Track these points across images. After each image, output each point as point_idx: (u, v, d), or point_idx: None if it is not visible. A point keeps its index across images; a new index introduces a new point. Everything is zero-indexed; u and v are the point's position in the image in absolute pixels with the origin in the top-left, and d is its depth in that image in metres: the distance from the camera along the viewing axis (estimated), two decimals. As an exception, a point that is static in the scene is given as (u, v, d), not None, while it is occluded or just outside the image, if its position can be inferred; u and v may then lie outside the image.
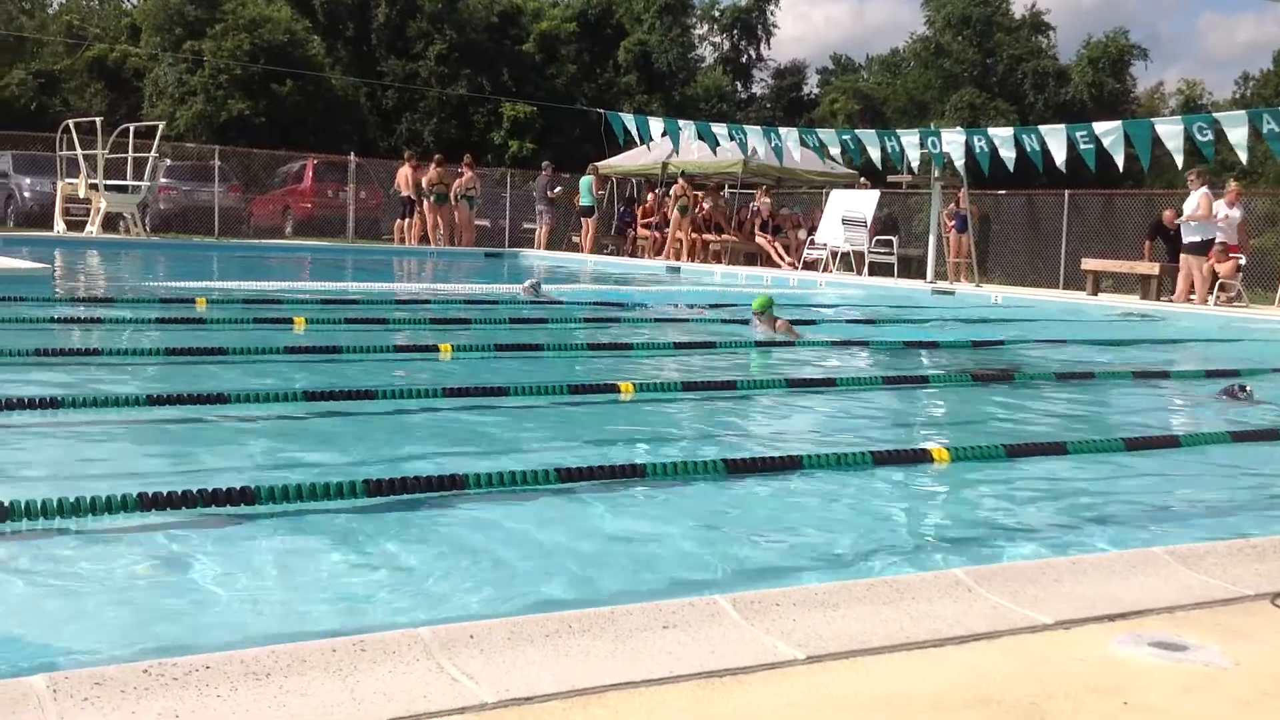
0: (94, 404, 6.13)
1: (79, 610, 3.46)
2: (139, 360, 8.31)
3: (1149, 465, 6.27)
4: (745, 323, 11.55)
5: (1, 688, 2.36)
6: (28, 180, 28.29)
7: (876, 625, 3.01)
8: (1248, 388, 8.33)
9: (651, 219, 26.60)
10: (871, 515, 5.02)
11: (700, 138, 22.61)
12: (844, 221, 22.63)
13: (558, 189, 27.30)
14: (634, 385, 7.62)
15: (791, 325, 11.08)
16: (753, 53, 59.98)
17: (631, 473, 5.09)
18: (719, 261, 24.95)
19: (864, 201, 23.10)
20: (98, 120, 23.09)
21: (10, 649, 3.14)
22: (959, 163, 18.82)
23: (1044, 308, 17.09)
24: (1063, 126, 17.40)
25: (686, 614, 2.98)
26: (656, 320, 12.69)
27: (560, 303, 14.06)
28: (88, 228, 23.15)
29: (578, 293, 15.74)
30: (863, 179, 26.87)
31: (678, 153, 25.28)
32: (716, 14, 58.97)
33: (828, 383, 8.64)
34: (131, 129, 23.79)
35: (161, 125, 25.38)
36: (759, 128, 22.45)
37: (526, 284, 14.17)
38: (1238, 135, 15.44)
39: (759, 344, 10.69)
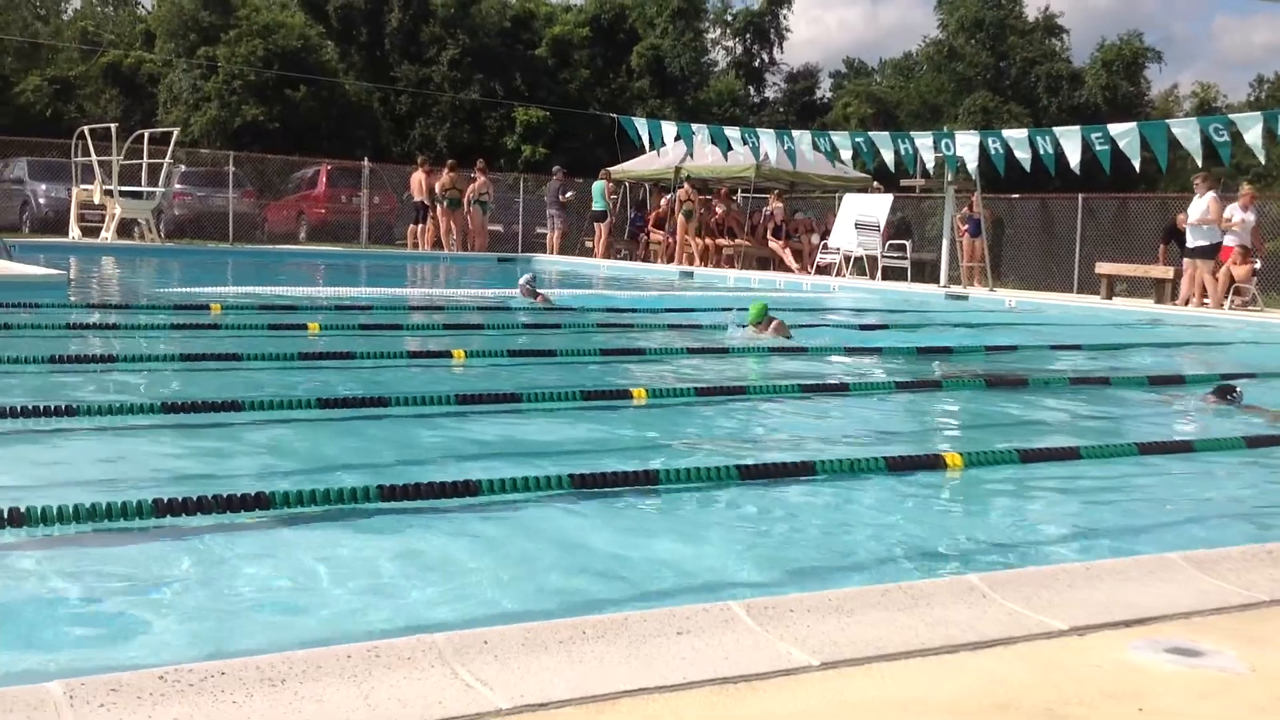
0: (109, 410, 6.15)
1: (95, 616, 3.47)
2: (154, 366, 8.35)
3: (1163, 470, 6.25)
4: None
5: (19, 694, 2.37)
6: (43, 186, 28.39)
7: (891, 631, 3.00)
8: (1237, 390, 8.26)
9: (663, 224, 26.61)
10: (885, 521, 5.01)
11: (713, 142, 22.61)
12: (857, 226, 22.60)
13: (569, 193, 27.31)
14: (646, 391, 7.61)
15: (785, 325, 11.06)
16: (765, 57, 59.90)
17: (644, 479, 5.09)
18: (732, 266, 24.94)
19: (877, 206, 23.08)
20: (113, 126, 23.17)
21: (27, 654, 3.15)
22: (973, 165, 18.79)
23: (1056, 312, 17.07)
24: (1077, 128, 17.36)
25: (700, 620, 2.97)
26: (650, 325, 12.57)
27: (561, 308, 13.97)
28: (103, 234, 23.23)
29: (578, 298, 15.69)
30: (876, 183, 26.84)
31: (691, 156, 25.29)
32: (729, 18, 58.94)
33: (840, 388, 8.63)
34: (146, 135, 23.88)
35: (176, 131, 25.48)
36: (771, 131, 22.44)
37: (523, 282, 14.10)
38: (1253, 136, 15.40)
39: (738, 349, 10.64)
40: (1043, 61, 54.55)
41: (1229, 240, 17.57)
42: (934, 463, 5.87)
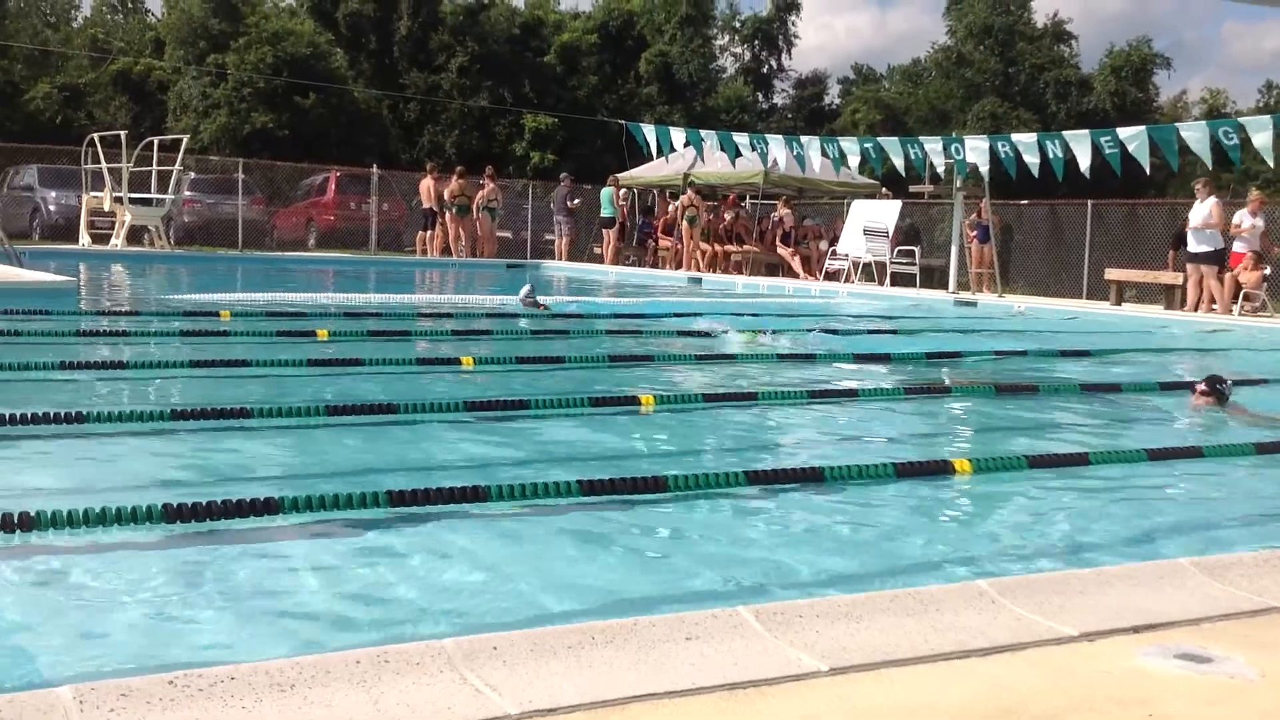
0: (119, 417, 6.17)
1: (105, 621, 3.47)
2: (164, 373, 8.36)
3: (1173, 475, 6.24)
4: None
5: (28, 699, 2.37)
6: (53, 193, 28.49)
7: (900, 637, 3.00)
8: (1226, 381, 8.22)
9: (672, 230, 26.63)
10: (894, 526, 5.00)
11: (721, 148, 22.62)
12: (866, 232, 22.61)
13: (577, 200, 27.34)
14: (654, 398, 7.61)
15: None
16: (774, 63, 59.93)
17: (654, 485, 5.09)
18: (740, 272, 24.95)
19: (886, 212, 23.08)
20: (122, 134, 23.23)
21: (36, 660, 3.16)
22: (984, 169, 18.78)
23: (1065, 318, 17.04)
24: (1086, 132, 17.34)
25: (709, 625, 2.97)
26: (651, 332, 12.54)
27: (559, 314, 13.93)
28: (112, 241, 23.29)
29: (575, 304, 15.66)
30: (884, 189, 26.84)
31: (703, 161, 25.30)
32: (737, 24, 58.97)
33: (849, 394, 8.63)
34: (156, 142, 23.93)
35: (186, 138, 25.55)
36: (780, 137, 22.44)
37: (523, 294, 14.08)
38: (1262, 140, 15.37)
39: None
40: (1051, 68, 54.51)
41: (1239, 246, 17.55)
42: (943, 468, 5.86)
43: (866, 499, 5.34)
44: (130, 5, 53.14)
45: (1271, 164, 16.07)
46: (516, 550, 4.34)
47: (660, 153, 24.34)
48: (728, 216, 26.29)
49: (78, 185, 25.03)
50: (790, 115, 58.18)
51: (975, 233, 21.98)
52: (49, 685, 2.47)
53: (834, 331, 13.07)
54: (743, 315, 14.49)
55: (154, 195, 23.74)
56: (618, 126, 26.61)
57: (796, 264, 24.90)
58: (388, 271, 23.71)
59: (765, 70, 59.59)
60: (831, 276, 23.23)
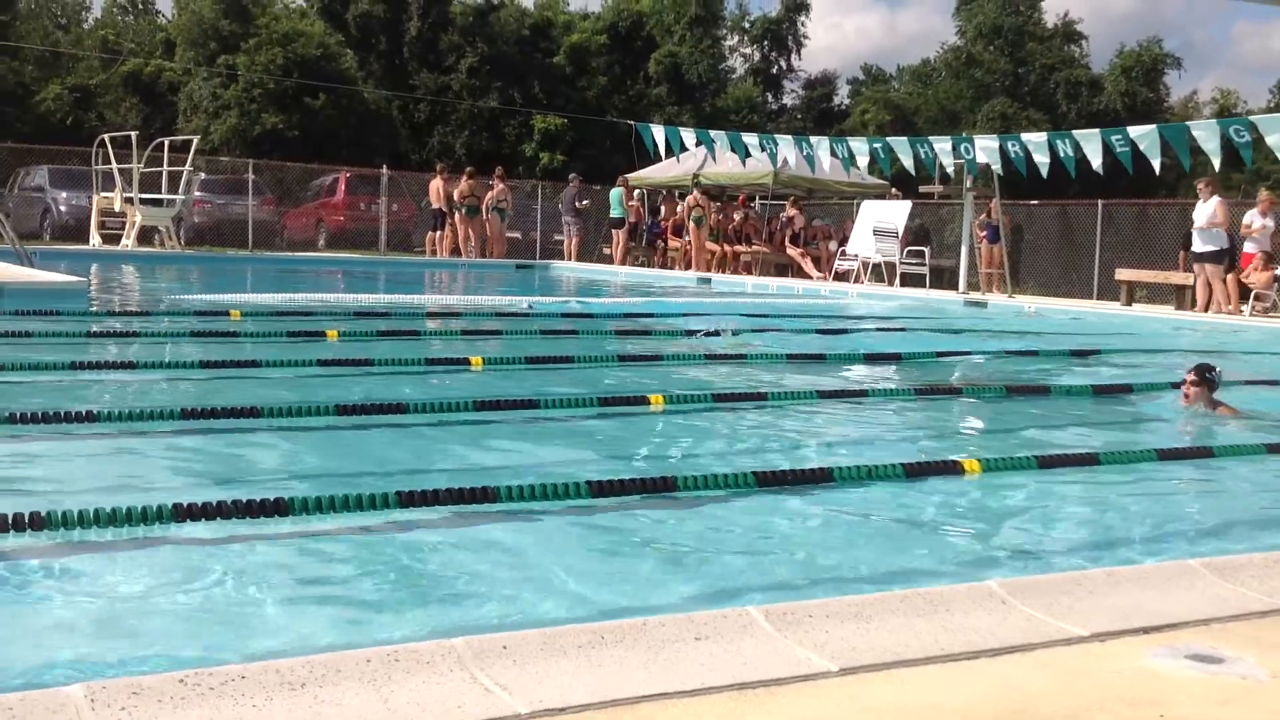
0: (129, 417, 6.18)
1: (116, 620, 3.48)
2: (174, 373, 8.38)
3: (1183, 476, 6.23)
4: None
5: (40, 697, 2.38)
6: (64, 194, 28.53)
7: (910, 637, 3.00)
8: (1217, 369, 8.17)
9: (681, 231, 26.62)
10: (903, 527, 5.00)
11: (731, 149, 22.60)
12: (875, 232, 22.58)
13: (585, 201, 27.34)
14: (664, 397, 7.61)
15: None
16: (783, 64, 59.91)
17: (662, 486, 5.09)
18: (750, 273, 24.94)
19: (895, 212, 23.05)
20: (133, 134, 23.27)
21: (48, 658, 3.17)
22: (995, 168, 18.74)
23: (1075, 319, 17.01)
24: (1097, 131, 17.28)
25: (719, 625, 2.97)
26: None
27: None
28: (123, 241, 23.33)
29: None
30: (894, 190, 26.81)
31: (714, 161, 25.29)
32: (747, 25, 58.94)
33: (858, 394, 8.62)
34: (166, 143, 23.98)
35: (196, 139, 25.58)
36: (790, 137, 22.42)
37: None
38: (1275, 139, 15.30)
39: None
40: (1061, 68, 54.44)
41: (1249, 247, 17.50)
42: (952, 469, 5.86)
43: (875, 499, 5.33)
44: (141, 6, 53.27)
45: (1283, 162, 16.04)
46: (526, 550, 4.34)
47: (670, 153, 24.33)
48: (737, 217, 26.27)
49: (88, 186, 25.07)
50: (800, 116, 58.15)
51: (985, 233, 21.95)
52: (60, 683, 2.48)
53: (842, 331, 13.07)
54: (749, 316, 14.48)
55: (164, 196, 23.77)
56: (627, 127, 26.58)
57: (807, 264, 24.88)
58: (397, 272, 23.74)
59: (775, 71, 59.57)
60: (841, 277, 23.21)
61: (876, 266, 22.69)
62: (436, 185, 26.05)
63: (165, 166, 23.56)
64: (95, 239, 24.01)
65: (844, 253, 23.62)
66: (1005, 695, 2.69)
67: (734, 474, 5.33)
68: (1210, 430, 7.78)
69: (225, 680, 2.49)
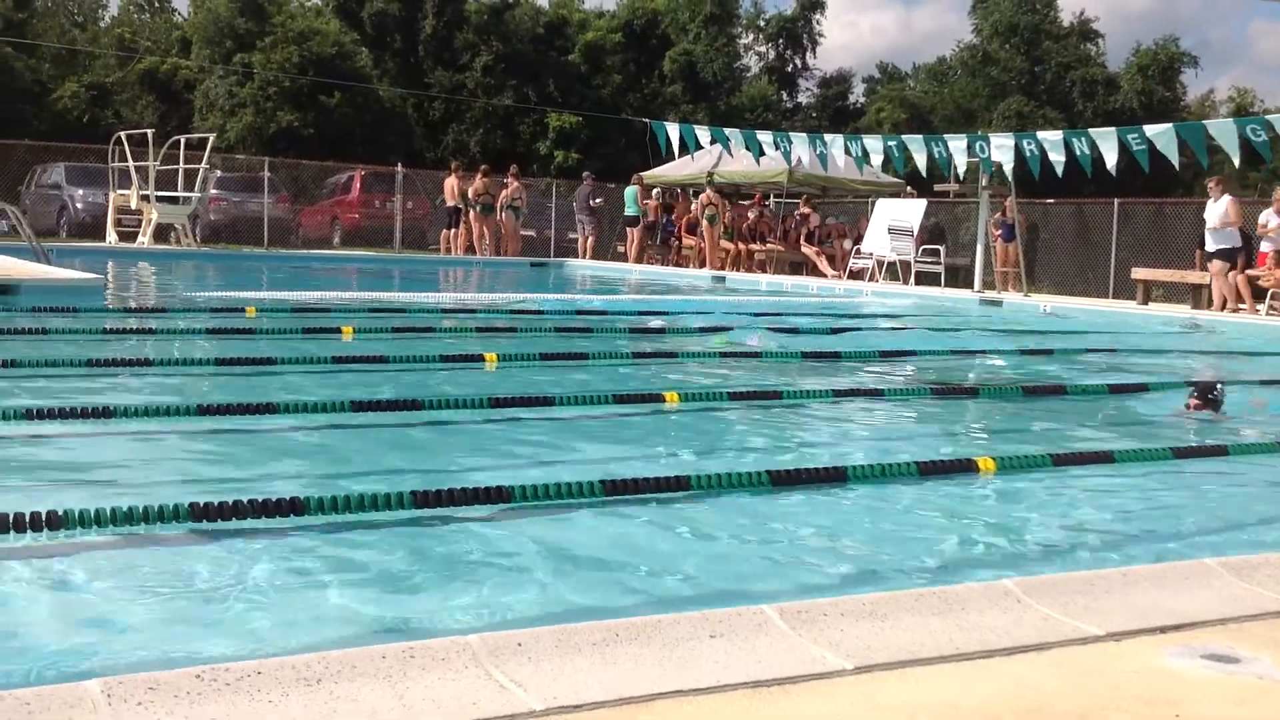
0: (145, 413, 6.20)
1: (133, 617, 3.50)
2: (190, 370, 8.41)
3: (1199, 474, 6.21)
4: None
5: (57, 692, 2.39)
6: (80, 191, 28.65)
7: (925, 636, 2.99)
8: (1218, 388, 8.15)
9: (695, 229, 26.62)
10: (918, 526, 4.99)
11: (746, 147, 22.59)
12: (890, 231, 22.54)
13: (599, 199, 27.36)
14: (679, 395, 7.61)
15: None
16: (798, 62, 59.88)
17: (675, 485, 5.09)
18: (764, 271, 24.92)
19: (910, 210, 23.01)
20: (149, 132, 23.34)
21: (65, 654, 3.19)
22: (1009, 168, 18.69)
23: (1091, 318, 16.97)
24: (1113, 130, 17.24)
25: (734, 623, 2.97)
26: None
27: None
28: (139, 238, 23.41)
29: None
30: (909, 188, 26.77)
31: (731, 155, 25.28)
32: (762, 23, 58.93)
33: (873, 393, 8.61)
34: (182, 141, 24.05)
35: (212, 137, 25.64)
36: (804, 136, 22.39)
37: (1194, 402, 14.00)
38: (1291, 137, 15.29)
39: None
40: (1078, 66, 54.30)
41: (1265, 246, 17.44)
42: (967, 467, 5.84)
43: (890, 498, 5.33)
44: (157, 5, 53.48)
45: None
46: (539, 548, 4.35)
47: (685, 151, 24.31)
48: (751, 215, 26.26)
49: (105, 183, 25.17)
50: (815, 114, 58.11)
51: (1000, 231, 21.90)
52: (77, 679, 2.49)
53: (855, 329, 13.06)
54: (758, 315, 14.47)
55: (180, 193, 23.85)
56: (642, 125, 26.60)
57: (822, 263, 24.86)
58: (412, 270, 23.78)
59: (790, 69, 59.53)
60: (856, 275, 23.18)
61: (891, 265, 22.66)
62: (451, 183, 26.09)
63: (181, 164, 23.63)
64: (112, 236, 24.09)
65: (859, 251, 23.59)
66: (1020, 694, 2.69)
67: (747, 473, 5.33)
68: (1225, 430, 7.75)
69: (241, 676, 2.50)
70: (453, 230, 26.27)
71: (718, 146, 23.77)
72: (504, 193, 26.03)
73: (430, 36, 45.77)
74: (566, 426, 6.85)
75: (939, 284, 21.76)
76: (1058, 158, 17.53)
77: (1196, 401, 8.04)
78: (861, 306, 17.76)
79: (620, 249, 27.94)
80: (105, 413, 6.05)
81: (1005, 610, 3.20)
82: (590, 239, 27.10)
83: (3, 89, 39.73)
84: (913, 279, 22.13)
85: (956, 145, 19.27)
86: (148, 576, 3.86)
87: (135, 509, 4.15)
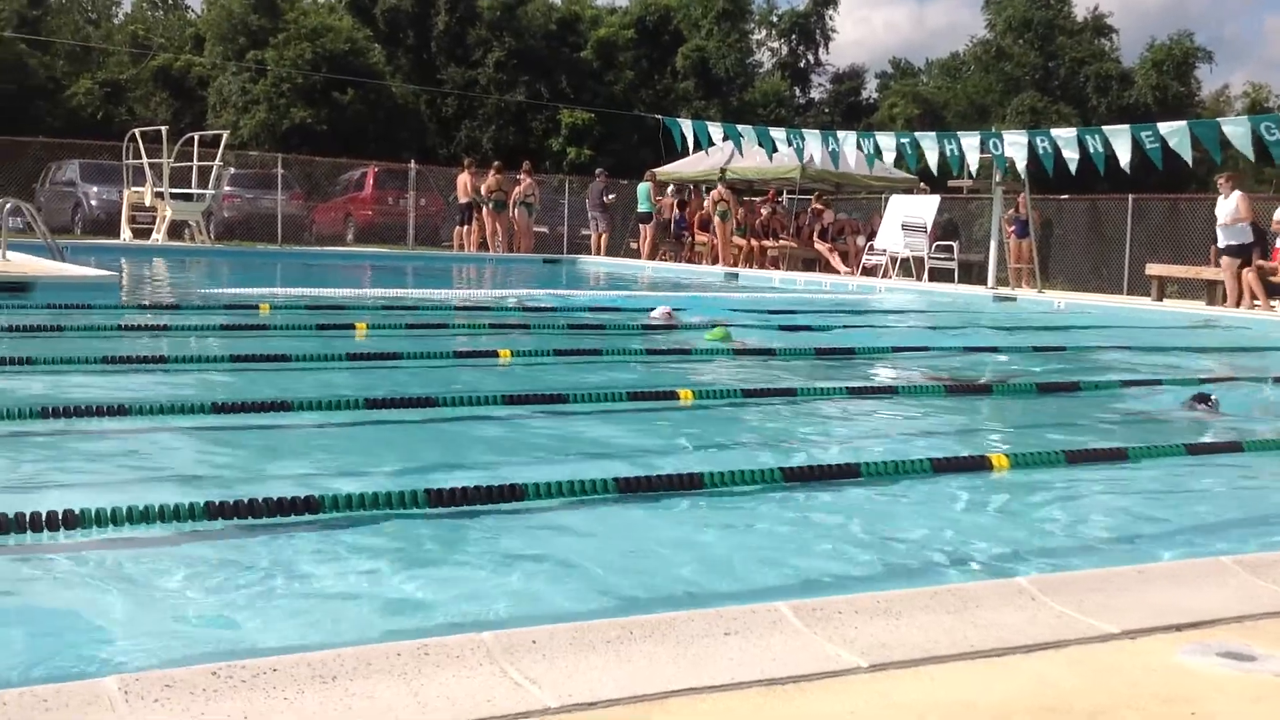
0: (160, 411, 6.22)
1: (148, 615, 3.51)
2: (204, 367, 8.44)
3: (1213, 471, 6.19)
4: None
5: (74, 689, 2.40)
6: (94, 188, 28.72)
7: (940, 634, 2.99)
8: (1213, 398, 8.12)
9: (708, 225, 26.60)
10: (932, 523, 4.98)
11: (759, 143, 22.57)
12: (903, 227, 22.50)
13: (611, 195, 27.36)
14: (693, 392, 7.61)
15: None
16: (811, 58, 59.74)
17: (689, 482, 5.09)
18: (778, 267, 24.91)
19: (924, 207, 22.97)
20: (163, 129, 23.42)
21: (83, 651, 3.20)
22: (1021, 165, 18.65)
23: (1106, 314, 16.93)
24: (1127, 127, 17.18)
25: (748, 621, 2.97)
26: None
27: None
28: (153, 235, 23.48)
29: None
30: (922, 184, 26.72)
31: (741, 156, 25.24)
32: (775, 19, 58.84)
33: (887, 390, 8.60)
34: (196, 138, 24.11)
35: (226, 134, 25.70)
36: (817, 132, 22.37)
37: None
38: (1306, 135, 15.20)
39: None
40: (1092, 61, 54.10)
41: (1280, 243, 17.41)
42: (980, 464, 5.84)
43: (903, 495, 5.32)
44: (170, 1, 53.57)
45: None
46: (554, 546, 4.35)
47: (698, 147, 24.29)
48: (764, 211, 26.24)
49: (119, 180, 25.23)
50: (827, 110, 58.00)
51: (1013, 227, 21.85)
52: (94, 676, 2.50)
53: (868, 326, 13.04)
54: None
55: (194, 190, 23.92)
56: (654, 121, 26.60)
57: (835, 259, 24.83)
58: (425, 266, 23.81)
59: (802, 65, 59.41)
60: (869, 272, 23.15)
61: (905, 261, 22.62)
62: (464, 180, 26.10)
63: (195, 161, 23.70)
64: (126, 233, 24.16)
65: (872, 247, 23.55)
66: (1036, 692, 2.68)
67: (761, 469, 5.33)
68: (1239, 427, 7.72)
69: (257, 673, 2.51)
70: (466, 227, 26.29)
71: (730, 143, 23.75)
72: (517, 189, 26.04)
73: (443, 33, 45.78)
74: (578, 423, 6.85)
75: (952, 280, 21.73)
76: (1071, 155, 17.47)
77: (1191, 407, 8.02)
78: (875, 303, 17.73)
79: (633, 245, 27.93)
80: (120, 410, 6.06)
81: (1020, 608, 3.20)
82: (603, 235, 27.10)
83: (17, 86, 39.86)
84: (926, 276, 22.10)
85: (969, 142, 19.23)
86: (163, 574, 3.87)
87: (151, 507, 4.16)
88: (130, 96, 43.93)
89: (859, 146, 21.20)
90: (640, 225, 26.87)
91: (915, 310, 16.79)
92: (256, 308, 11.93)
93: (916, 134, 21.07)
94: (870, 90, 61.82)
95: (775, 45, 59.41)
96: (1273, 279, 17.11)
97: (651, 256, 26.20)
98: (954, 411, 8.20)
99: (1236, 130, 15.99)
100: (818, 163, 24.52)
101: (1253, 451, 6.57)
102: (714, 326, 11.22)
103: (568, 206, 31.48)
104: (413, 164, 30.08)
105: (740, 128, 23.34)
